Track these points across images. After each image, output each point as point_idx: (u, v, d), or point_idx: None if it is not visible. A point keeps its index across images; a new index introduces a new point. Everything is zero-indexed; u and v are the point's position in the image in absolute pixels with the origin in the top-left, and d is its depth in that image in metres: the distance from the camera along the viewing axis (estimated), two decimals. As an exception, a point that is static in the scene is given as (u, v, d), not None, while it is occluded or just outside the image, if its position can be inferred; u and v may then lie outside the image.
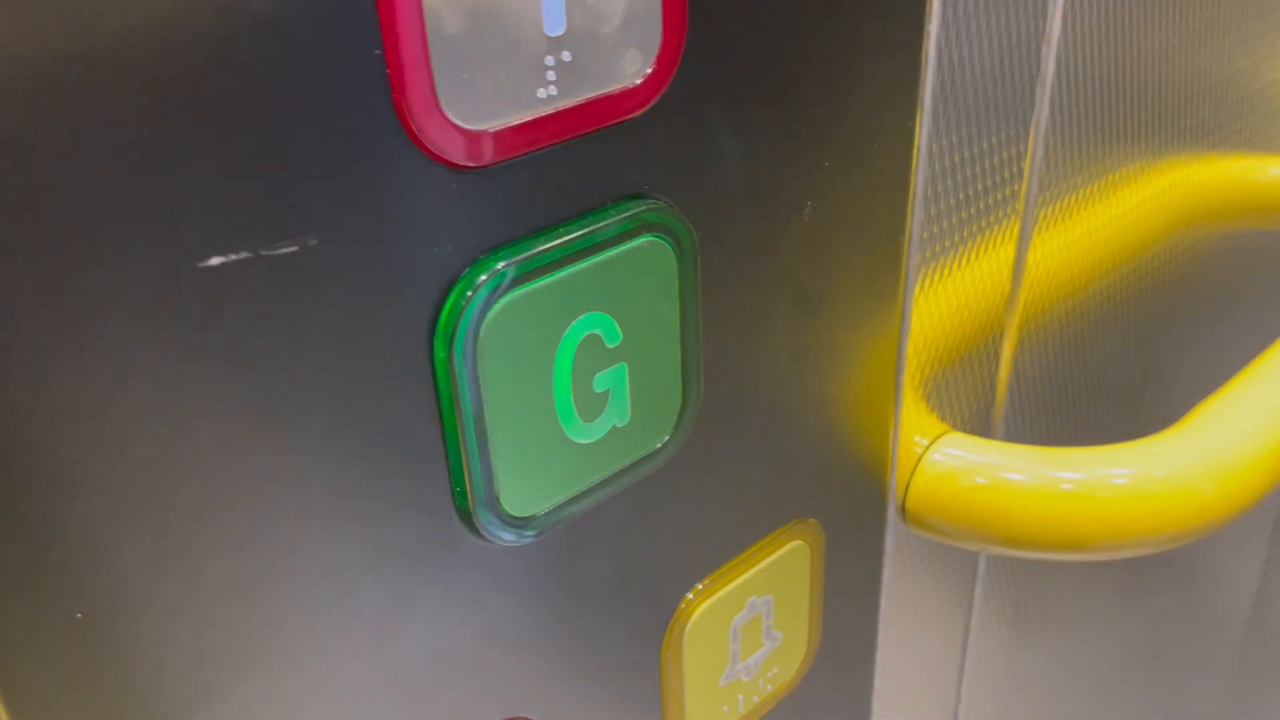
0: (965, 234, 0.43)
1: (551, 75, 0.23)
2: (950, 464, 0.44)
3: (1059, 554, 0.46)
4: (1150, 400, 0.65)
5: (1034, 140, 0.45)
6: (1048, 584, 0.64)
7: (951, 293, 0.47)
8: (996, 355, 0.51)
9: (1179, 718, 0.92)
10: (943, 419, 0.46)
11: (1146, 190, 0.56)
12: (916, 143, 0.36)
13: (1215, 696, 0.98)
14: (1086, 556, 0.47)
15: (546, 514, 0.26)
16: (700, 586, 0.32)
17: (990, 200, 0.44)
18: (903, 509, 0.43)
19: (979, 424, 0.51)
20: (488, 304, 0.23)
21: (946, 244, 0.42)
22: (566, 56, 0.23)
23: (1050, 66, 0.44)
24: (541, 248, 0.24)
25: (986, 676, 0.59)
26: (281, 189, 0.19)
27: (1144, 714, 0.85)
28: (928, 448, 0.44)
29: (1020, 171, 0.45)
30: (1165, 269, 0.62)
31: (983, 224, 0.45)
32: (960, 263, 0.45)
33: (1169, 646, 0.86)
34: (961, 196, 0.42)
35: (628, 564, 0.29)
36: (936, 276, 0.44)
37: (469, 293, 0.23)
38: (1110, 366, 0.60)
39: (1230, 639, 0.96)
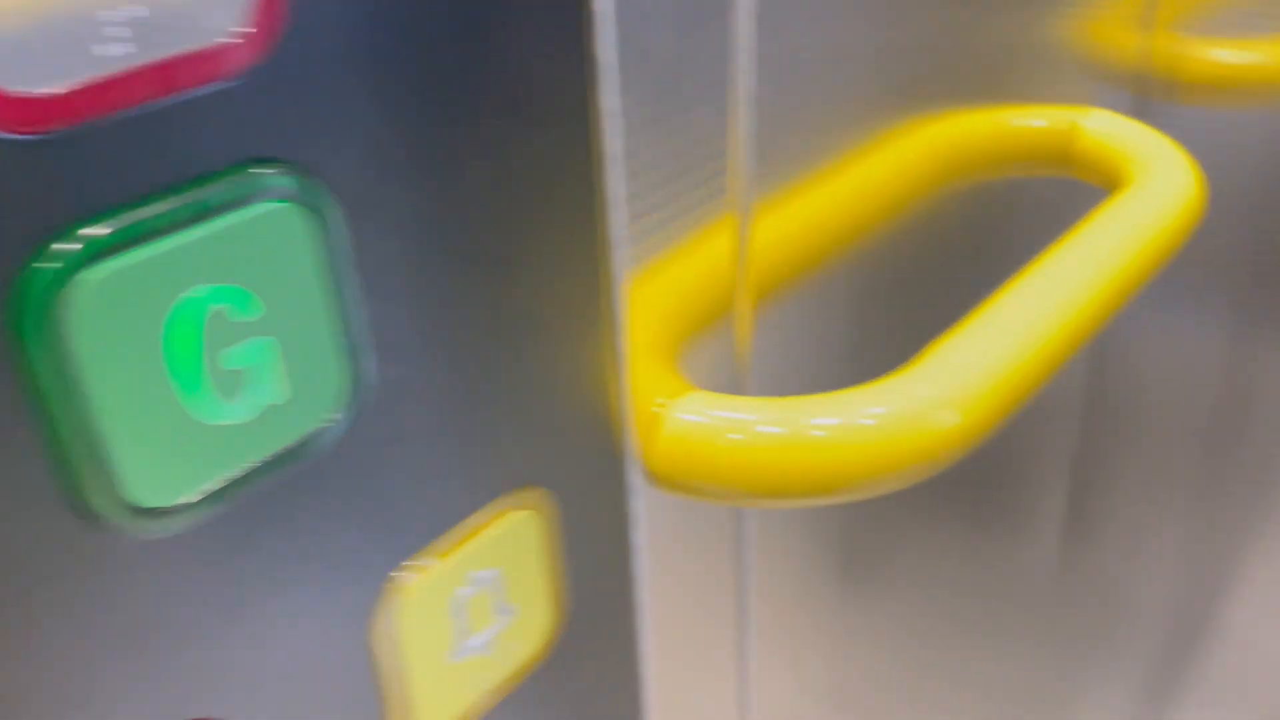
0: (679, 194, 0.44)
1: (122, 32, 0.22)
2: (694, 421, 0.44)
3: (814, 499, 0.46)
4: (912, 354, 0.67)
5: (740, 100, 0.45)
6: (839, 542, 0.65)
7: (694, 260, 0.47)
8: (748, 319, 0.51)
9: (997, 682, 0.95)
10: (691, 383, 0.47)
11: (892, 146, 0.58)
12: (598, 101, 0.36)
13: (1033, 657, 1.00)
14: (843, 498, 0.47)
15: (198, 502, 0.25)
16: (409, 565, 0.31)
17: (702, 153, 0.44)
18: (646, 470, 0.43)
19: (731, 388, 0.51)
20: (72, 277, 0.22)
21: (655, 202, 0.42)
22: (141, 12, 0.22)
23: (745, 21, 0.44)
24: (134, 217, 0.23)
25: (775, 639, 0.59)
26: None
27: (958, 679, 0.87)
28: (668, 407, 0.44)
29: (725, 130, 0.45)
30: (922, 224, 0.64)
31: (701, 183, 0.45)
32: (695, 230, 0.46)
33: (976, 611, 0.87)
34: (667, 150, 0.42)
35: (314, 547, 0.28)
36: (670, 245, 0.44)
37: (46, 265, 0.21)
38: (870, 324, 0.61)
39: (1041, 597, 0.98)
